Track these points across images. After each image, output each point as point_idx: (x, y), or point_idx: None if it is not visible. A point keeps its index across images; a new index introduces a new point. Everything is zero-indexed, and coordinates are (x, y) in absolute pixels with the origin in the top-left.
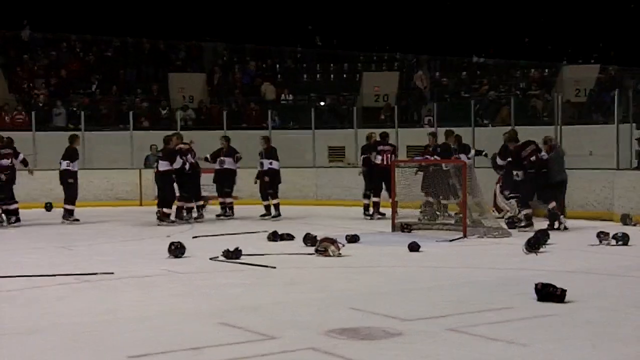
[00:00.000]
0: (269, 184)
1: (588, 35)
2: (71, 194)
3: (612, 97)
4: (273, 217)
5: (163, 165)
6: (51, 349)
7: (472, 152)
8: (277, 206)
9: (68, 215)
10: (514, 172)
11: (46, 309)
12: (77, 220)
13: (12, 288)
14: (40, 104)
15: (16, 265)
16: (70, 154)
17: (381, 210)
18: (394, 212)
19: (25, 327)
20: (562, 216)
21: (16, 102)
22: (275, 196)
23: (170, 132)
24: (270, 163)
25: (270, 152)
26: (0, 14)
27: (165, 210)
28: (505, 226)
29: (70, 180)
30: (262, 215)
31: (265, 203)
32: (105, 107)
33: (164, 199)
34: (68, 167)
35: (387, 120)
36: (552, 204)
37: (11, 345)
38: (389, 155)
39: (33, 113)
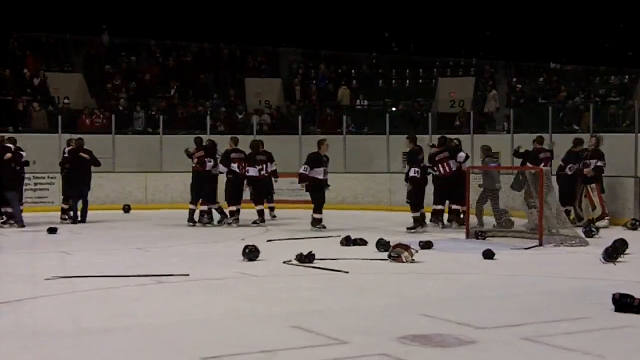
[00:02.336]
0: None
1: None
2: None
3: None
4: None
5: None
6: (125, 349)
7: (462, 155)
8: (260, 212)
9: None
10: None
11: (121, 309)
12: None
13: (88, 288)
14: (120, 108)
15: (92, 266)
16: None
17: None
18: (468, 219)
19: (100, 327)
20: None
21: (96, 106)
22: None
23: (248, 137)
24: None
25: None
26: (81, 20)
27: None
28: (582, 235)
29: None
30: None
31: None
32: (183, 112)
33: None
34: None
35: (463, 125)
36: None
37: (86, 345)
38: (447, 163)
39: (113, 117)
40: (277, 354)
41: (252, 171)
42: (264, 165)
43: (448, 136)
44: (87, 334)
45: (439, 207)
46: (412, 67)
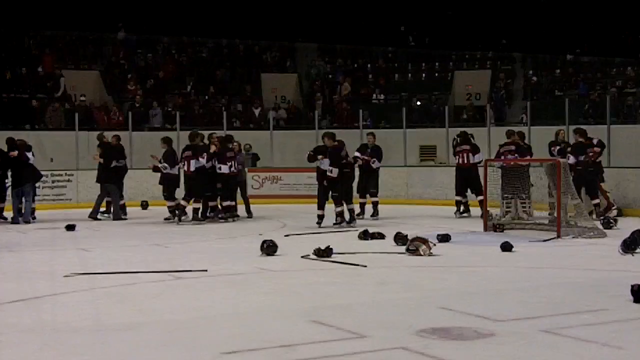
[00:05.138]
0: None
1: None
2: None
3: None
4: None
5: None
6: (146, 345)
7: (480, 156)
8: (229, 207)
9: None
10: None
11: (141, 305)
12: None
13: (107, 285)
14: (137, 105)
15: (112, 262)
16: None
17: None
18: (486, 211)
19: (121, 323)
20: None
21: (113, 103)
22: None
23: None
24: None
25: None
26: (97, 17)
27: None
28: (600, 226)
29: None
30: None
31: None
32: (200, 108)
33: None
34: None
35: (470, 119)
36: None
37: (108, 341)
38: (467, 155)
39: (130, 113)
40: (296, 349)
41: (224, 168)
42: (234, 162)
43: (468, 130)
44: (108, 330)
45: (458, 197)
46: (428, 61)
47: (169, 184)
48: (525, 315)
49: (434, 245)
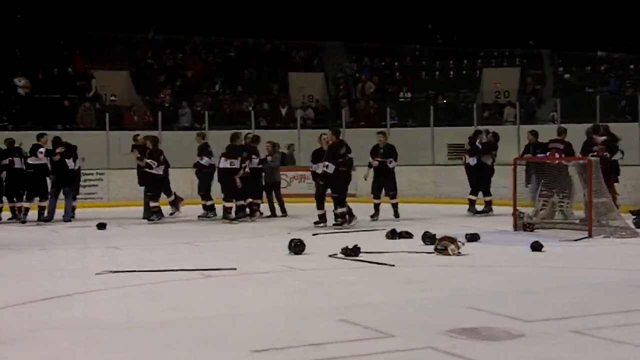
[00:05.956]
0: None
1: None
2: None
3: None
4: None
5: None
6: (177, 342)
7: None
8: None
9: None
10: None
11: (171, 303)
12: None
13: (138, 282)
14: (166, 105)
15: (143, 260)
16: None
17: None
18: (515, 210)
19: (152, 321)
20: None
21: (142, 103)
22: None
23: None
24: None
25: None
26: (126, 18)
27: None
28: (632, 226)
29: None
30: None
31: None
32: (228, 107)
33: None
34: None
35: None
36: None
37: (139, 339)
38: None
39: (159, 113)
40: (324, 347)
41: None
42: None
43: (492, 127)
44: (138, 327)
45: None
46: (456, 58)
47: (153, 185)
48: (555, 316)
49: (463, 244)
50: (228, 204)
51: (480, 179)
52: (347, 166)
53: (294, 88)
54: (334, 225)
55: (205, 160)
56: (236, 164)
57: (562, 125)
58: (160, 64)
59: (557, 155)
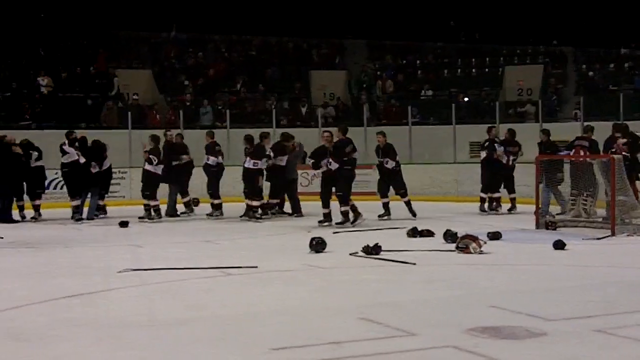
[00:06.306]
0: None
1: None
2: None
3: None
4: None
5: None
6: (197, 340)
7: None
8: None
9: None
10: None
11: (192, 301)
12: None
13: (159, 280)
14: (188, 103)
15: (164, 258)
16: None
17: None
18: (538, 209)
19: (173, 318)
20: None
21: (165, 102)
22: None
23: (313, 130)
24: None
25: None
26: (148, 17)
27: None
28: None
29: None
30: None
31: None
32: (249, 106)
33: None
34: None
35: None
36: None
37: (161, 336)
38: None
39: (181, 112)
40: (344, 346)
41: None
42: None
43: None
44: (160, 325)
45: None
46: (478, 56)
47: (150, 183)
48: (577, 315)
49: (485, 243)
50: (253, 203)
51: (491, 177)
52: (351, 165)
53: (316, 86)
54: (336, 224)
55: (211, 160)
56: (260, 164)
57: (588, 123)
58: (182, 63)
59: (581, 153)
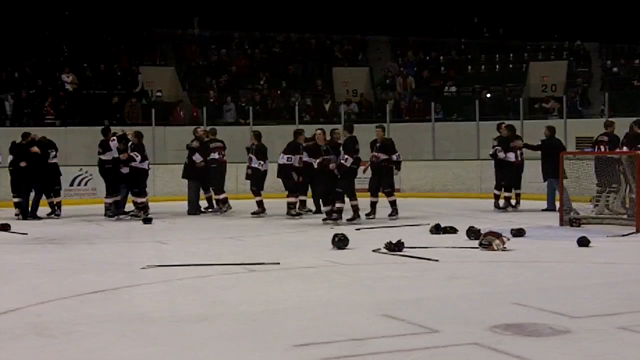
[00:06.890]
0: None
1: None
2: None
3: None
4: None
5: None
6: (220, 336)
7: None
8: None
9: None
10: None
11: (215, 297)
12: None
13: (183, 276)
14: (211, 100)
15: (187, 254)
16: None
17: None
18: (562, 205)
19: (196, 314)
20: None
21: (188, 99)
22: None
23: (335, 126)
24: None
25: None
26: (171, 13)
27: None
28: None
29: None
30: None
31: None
32: (272, 102)
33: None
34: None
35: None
36: None
37: (183, 332)
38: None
39: (204, 109)
40: (367, 342)
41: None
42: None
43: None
44: (183, 321)
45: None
46: (502, 52)
47: (136, 179)
48: (602, 312)
49: (508, 239)
50: (290, 199)
51: (502, 176)
52: (356, 163)
53: (339, 83)
54: (347, 220)
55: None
56: (293, 160)
57: (610, 119)
58: (206, 60)
59: (602, 149)
